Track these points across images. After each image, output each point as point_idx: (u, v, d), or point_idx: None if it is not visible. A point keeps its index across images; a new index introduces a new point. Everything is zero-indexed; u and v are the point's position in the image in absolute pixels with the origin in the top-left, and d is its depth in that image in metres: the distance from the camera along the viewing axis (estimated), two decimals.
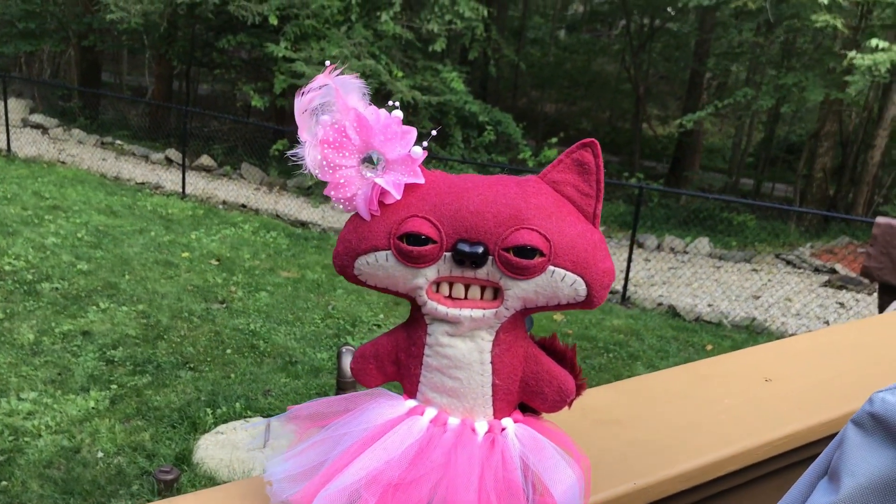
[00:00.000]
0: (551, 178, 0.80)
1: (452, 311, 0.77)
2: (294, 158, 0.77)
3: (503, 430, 0.78)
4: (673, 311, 6.93)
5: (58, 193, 7.85)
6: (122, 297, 5.25)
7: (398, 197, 0.77)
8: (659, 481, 0.81)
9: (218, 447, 3.64)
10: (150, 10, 10.15)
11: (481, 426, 0.78)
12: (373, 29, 9.85)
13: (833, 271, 8.52)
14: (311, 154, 0.77)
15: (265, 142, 10.83)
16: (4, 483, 3.17)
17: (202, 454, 3.56)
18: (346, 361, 3.11)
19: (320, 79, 0.77)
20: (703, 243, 9.29)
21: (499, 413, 0.80)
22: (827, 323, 6.98)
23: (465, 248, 0.74)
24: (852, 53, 7.90)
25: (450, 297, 0.78)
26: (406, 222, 0.76)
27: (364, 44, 9.67)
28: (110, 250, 6.22)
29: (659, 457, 0.85)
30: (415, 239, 0.75)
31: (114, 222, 7.13)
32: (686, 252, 9.14)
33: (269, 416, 3.99)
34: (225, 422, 3.89)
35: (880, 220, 4.33)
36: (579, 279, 0.75)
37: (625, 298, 7.14)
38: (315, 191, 9.38)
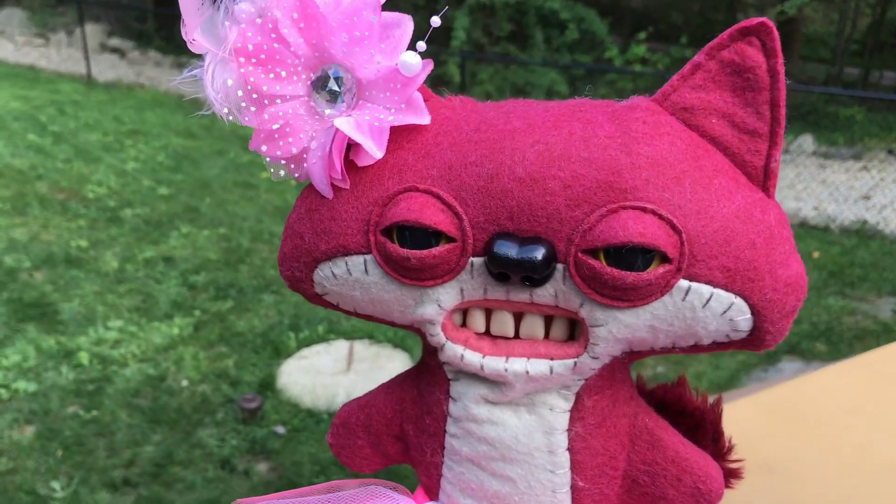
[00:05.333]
0: (680, 100, 0.44)
1: (492, 363, 0.44)
2: (187, 86, 0.43)
3: None
4: None
5: (137, 118, 7.86)
6: (203, 220, 5.20)
7: (379, 155, 0.43)
8: None
9: (301, 372, 3.56)
10: None
11: None
12: None
13: None
14: (218, 77, 0.43)
15: None
16: (95, 412, 3.17)
17: (285, 380, 3.49)
18: None
19: None
20: (807, 141, 8.65)
21: None
22: None
23: (511, 251, 0.40)
24: None
25: (487, 333, 0.45)
26: (397, 203, 0.42)
27: None
28: (190, 173, 6.18)
29: None
30: (415, 235, 0.41)
31: (193, 144, 7.09)
32: (788, 151, 8.53)
33: (351, 338, 3.89)
34: (308, 346, 3.81)
35: None
36: (739, 301, 0.41)
37: None
38: None
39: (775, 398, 0.68)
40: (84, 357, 3.47)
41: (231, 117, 0.44)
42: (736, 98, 0.43)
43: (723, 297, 0.41)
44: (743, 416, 0.56)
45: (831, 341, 3.88)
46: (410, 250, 0.42)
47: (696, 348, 0.43)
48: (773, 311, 0.42)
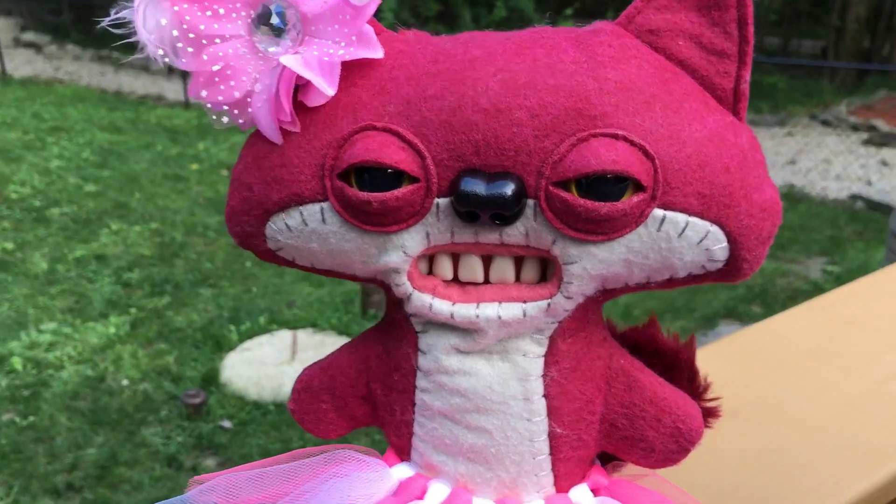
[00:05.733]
0: (645, 22, 0.41)
1: (462, 310, 0.42)
2: (117, 28, 0.38)
3: None
4: None
5: (58, 114, 7.59)
6: (134, 216, 5.06)
7: (331, 92, 0.40)
8: None
9: (245, 365, 3.50)
10: None
11: None
12: None
13: (873, 128, 8.09)
14: (151, 18, 0.38)
15: None
16: (32, 418, 3.06)
17: (229, 373, 3.42)
18: None
19: None
20: None
21: (564, 480, 0.45)
22: (870, 184, 6.64)
23: (478, 188, 0.38)
24: None
25: (455, 280, 0.43)
26: (353, 144, 0.39)
27: None
28: (117, 168, 6.00)
29: (817, 470, 0.53)
30: (375, 177, 0.39)
31: (118, 139, 6.88)
32: None
33: (294, 328, 3.84)
34: (250, 338, 3.75)
35: None
36: (715, 229, 0.39)
37: None
38: None
39: (735, 346, 0.68)
40: (17, 362, 3.35)
41: (167, 59, 0.39)
42: (702, 17, 0.41)
43: (698, 225, 0.39)
44: (704, 365, 0.56)
45: (766, 303, 3.99)
46: (371, 193, 0.39)
47: (672, 282, 0.42)
48: (750, 237, 0.40)
